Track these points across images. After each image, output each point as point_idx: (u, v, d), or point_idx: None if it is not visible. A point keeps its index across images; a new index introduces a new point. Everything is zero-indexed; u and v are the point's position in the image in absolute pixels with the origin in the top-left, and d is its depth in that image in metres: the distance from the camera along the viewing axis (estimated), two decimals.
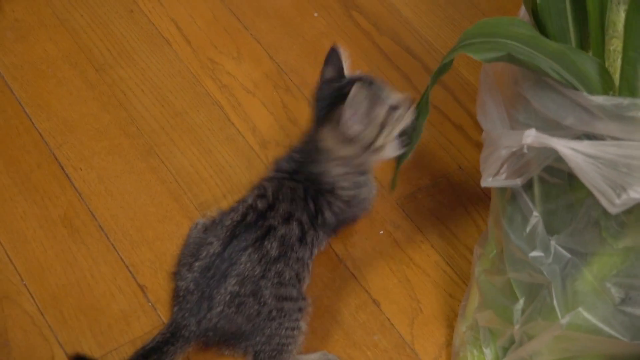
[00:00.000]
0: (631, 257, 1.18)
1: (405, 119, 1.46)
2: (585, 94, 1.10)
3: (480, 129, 1.82)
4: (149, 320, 1.58)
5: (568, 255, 1.22)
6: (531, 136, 1.14)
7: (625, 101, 1.07)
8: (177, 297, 1.46)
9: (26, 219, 1.68)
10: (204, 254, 1.45)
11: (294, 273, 1.47)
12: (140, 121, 1.82)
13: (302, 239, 1.48)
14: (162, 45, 1.94)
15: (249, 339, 1.46)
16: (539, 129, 1.15)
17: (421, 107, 1.37)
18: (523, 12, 1.26)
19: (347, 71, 1.51)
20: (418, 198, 1.75)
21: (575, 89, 1.12)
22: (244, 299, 1.43)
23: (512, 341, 1.35)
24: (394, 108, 1.46)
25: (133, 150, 1.78)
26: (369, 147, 1.47)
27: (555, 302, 1.23)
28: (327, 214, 1.52)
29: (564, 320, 1.22)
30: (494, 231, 1.35)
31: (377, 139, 1.46)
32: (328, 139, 1.47)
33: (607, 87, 1.12)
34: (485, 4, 2.05)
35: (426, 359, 1.56)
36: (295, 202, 1.49)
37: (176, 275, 1.50)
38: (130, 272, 1.63)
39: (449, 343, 1.57)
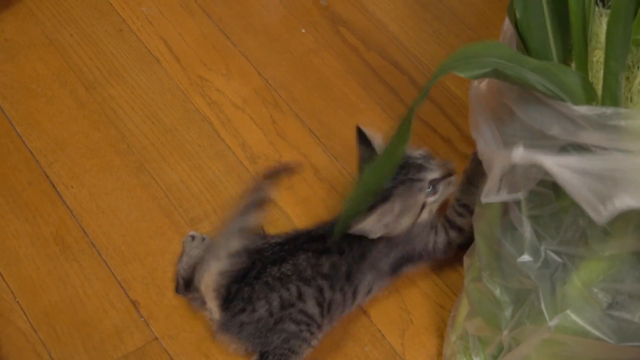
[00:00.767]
0: (617, 263, 1.19)
1: (444, 192, 1.54)
2: (569, 104, 1.12)
3: (468, 142, 1.85)
4: (141, 335, 1.58)
5: (559, 259, 1.23)
6: (519, 154, 1.16)
7: (608, 110, 1.09)
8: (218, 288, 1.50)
9: (18, 237, 1.69)
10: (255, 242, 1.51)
11: (329, 300, 1.51)
12: (130, 138, 1.83)
13: (349, 277, 1.52)
14: (152, 63, 1.96)
15: (265, 336, 1.49)
16: (525, 139, 1.16)
17: (401, 133, 1.25)
18: (507, 24, 1.27)
19: (377, 148, 1.53)
20: None
21: (560, 100, 1.13)
22: (289, 282, 1.48)
23: (501, 348, 1.36)
24: (433, 191, 1.52)
25: (124, 167, 1.79)
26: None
27: (543, 305, 1.24)
28: (376, 254, 1.55)
29: (552, 323, 1.23)
30: (479, 239, 1.36)
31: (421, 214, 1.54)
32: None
33: (590, 98, 1.14)
34: (471, 19, 2.07)
35: None
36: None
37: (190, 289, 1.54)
38: (122, 287, 1.64)
39: (439, 353, 1.58)
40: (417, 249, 1.58)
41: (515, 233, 1.26)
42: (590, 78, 1.20)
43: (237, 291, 1.48)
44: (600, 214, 1.09)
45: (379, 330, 1.61)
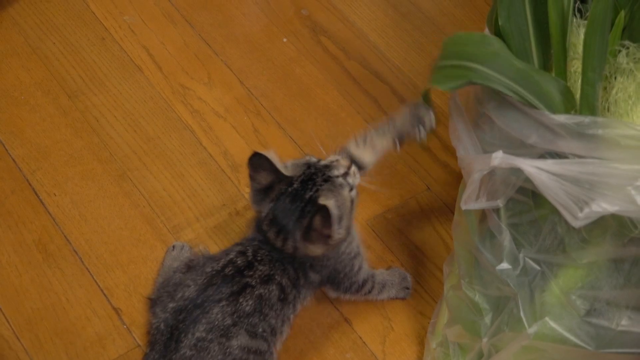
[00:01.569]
0: (595, 271, 1.21)
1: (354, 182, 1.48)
2: (547, 112, 1.14)
3: (447, 150, 1.87)
4: (124, 342, 1.59)
5: (537, 267, 1.25)
6: (498, 158, 1.17)
7: (586, 119, 1.11)
8: (150, 336, 1.46)
9: (0, 245, 1.69)
10: (179, 295, 1.44)
11: (268, 327, 1.45)
12: (113, 146, 1.84)
13: (283, 299, 1.47)
14: (134, 72, 1.96)
15: None
16: (504, 148, 1.18)
17: None
18: (486, 33, 1.29)
19: (281, 168, 1.45)
20: (388, 218, 1.78)
21: (538, 109, 1.15)
22: (208, 345, 1.41)
23: (480, 355, 1.37)
24: (351, 187, 1.47)
25: (106, 175, 1.80)
26: (349, 230, 1.48)
27: (522, 313, 1.25)
28: (311, 275, 1.50)
29: (531, 330, 1.25)
30: (458, 247, 1.37)
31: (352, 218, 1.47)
32: (312, 249, 1.46)
33: (569, 106, 1.16)
34: (451, 28, 2.09)
35: None
36: (275, 265, 1.47)
37: (151, 312, 1.49)
38: (104, 295, 1.64)
39: None
40: (339, 268, 1.55)
41: (494, 241, 1.27)
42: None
43: None
44: (577, 217, 1.10)
45: (360, 337, 1.62)
